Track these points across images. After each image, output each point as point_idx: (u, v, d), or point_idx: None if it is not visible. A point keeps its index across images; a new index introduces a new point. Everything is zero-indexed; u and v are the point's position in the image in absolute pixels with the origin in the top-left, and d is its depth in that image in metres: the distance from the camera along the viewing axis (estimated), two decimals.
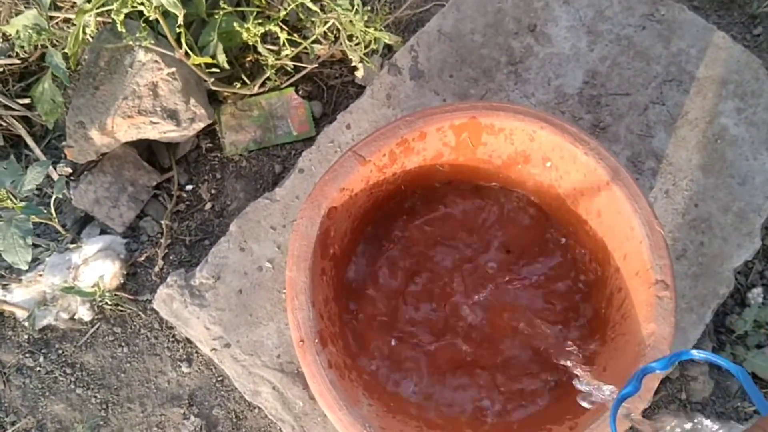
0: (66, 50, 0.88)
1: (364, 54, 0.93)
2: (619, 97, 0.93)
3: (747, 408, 0.91)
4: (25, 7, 0.97)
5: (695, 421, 0.53)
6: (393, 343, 0.81)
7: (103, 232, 0.96)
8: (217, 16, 0.90)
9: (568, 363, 0.77)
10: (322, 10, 0.92)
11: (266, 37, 0.98)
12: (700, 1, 1.06)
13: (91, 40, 0.92)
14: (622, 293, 0.76)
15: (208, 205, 0.97)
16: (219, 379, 0.90)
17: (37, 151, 0.99)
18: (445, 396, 0.80)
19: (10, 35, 0.92)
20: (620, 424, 0.62)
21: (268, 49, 0.95)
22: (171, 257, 0.95)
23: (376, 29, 0.90)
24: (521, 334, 0.81)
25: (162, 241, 0.95)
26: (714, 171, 0.90)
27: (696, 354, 0.54)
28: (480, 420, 0.78)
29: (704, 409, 0.90)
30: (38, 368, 0.91)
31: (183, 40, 0.85)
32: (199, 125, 0.94)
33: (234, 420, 0.89)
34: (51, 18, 0.97)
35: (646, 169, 0.91)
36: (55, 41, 0.99)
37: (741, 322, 0.91)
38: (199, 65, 0.89)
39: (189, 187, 0.98)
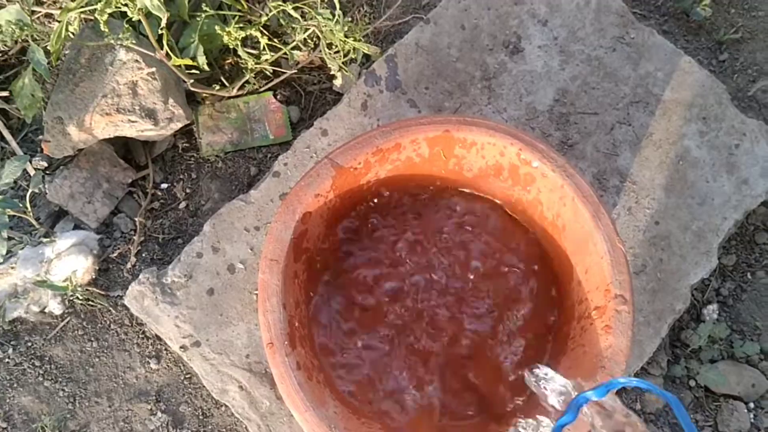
0: (48, 46, 0.89)
1: (342, 62, 0.95)
2: (587, 116, 0.97)
3: (700, 420, 0.95)
4: (8, 1, 0.97)
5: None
6: (360, 346, 0.83)
7: (77, 227, 0.97)
8: (198, 19, 0.92)
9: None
10: (303, 17, 0.94)
11: (247, 41, 0.99)
12: (669, 25, 1.10)
13: (73, 37, 0.93)
14: (583, 306, 0.79)
15: (183, 204, 0.99)
16: (187, 376, 0.92)
17: (14, 144, 1.00)
18: (409, 400, 0.82)
19: None
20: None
21: (248, 53, 0.97)
22: (144, 254, 0.96)
23: (355, 39, 0.93)
24: (487, 345, 0.84)
25: (135, 238, 0.96)
26: (675, 191, 0.94)
27: (629, 382, 0.55)
28: (444, 424, 0.81)
29: (658, 420, 0.93)
30: (7, 360, 0.91)
31: (164, 41, 0.86)
32: (177, 125, 0.95)
33: (201, 417, 0.90)
34: (33, 12, 0.97)
35: (610, 186, 0.94)
36: (36, 36, 0.99)
37: (696, 337, 0.95)
38: (179, 66, 0.90)
39: (164, 186, 1.00)
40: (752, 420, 0.95)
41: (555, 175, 0.78)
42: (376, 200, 0.86)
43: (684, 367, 0.95)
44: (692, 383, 0.95)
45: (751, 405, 0.95)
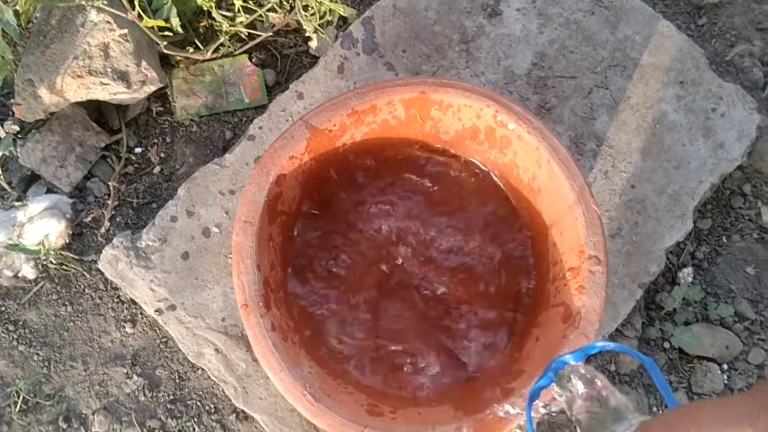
0: (17, 7, 0.87)
1: (318, 24, 0.93)
2: (565, 80, 0.96)
3: (673, 381, 0.96)
4: None
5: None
6: (335, 308, 0.83)
7: (49, 191, 0.96)
8: None
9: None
10: None
11: (221, 3, 0.98)
12: None
13: None
14: (557, 267, 0.79)
15: (157, 169, 0.98)
16: (163, 340, 0.91)
17: None
18: (384, 362, 0.82)
19: None
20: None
21: (223, 15, 0.95)
22: (118, 219, 0.96)
23: (331, 0, 0.91)
24: (463, 307, 0.84)
25: (109, 202, 0.95)
26: (652, 154, 0.94)
27: (606, 346, 0.55)
28: (416, 385, 0.81)
29: (632, 381, 0.94)
30: None
31: (136, 2, 0.85)
32: (150, 88, 0.94)
33: (177, 381, 0.90)
34: None
35: (587, 150, 0.94)
36: None
37: (670, 300, 0.95)
38: (151, 28, 0.89)
39: (138, 150, 0.98)
40: (726, 381, 0.96)
41: (531, 137, 0.78)
42: (352, 163, 0.85)
43: (659, 329, 0.96)
44: (666, 345, 0.96)
45: (725, 366, 0.96)
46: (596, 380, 0.52)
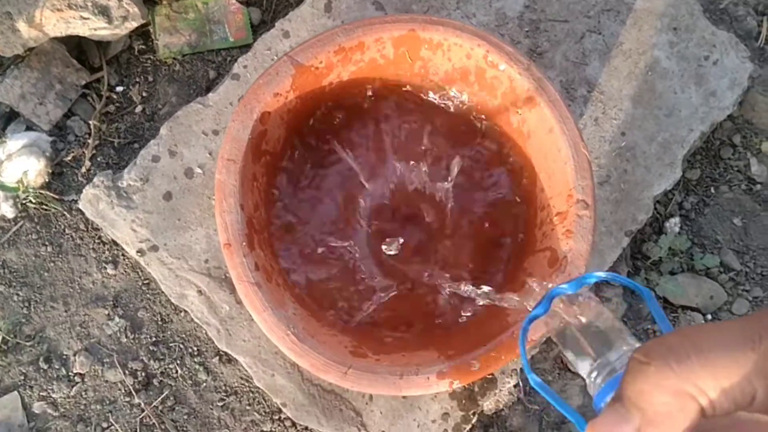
0: None
1: None
2: (557, 24, 0.94)
3: (658, 330, 0.96)
4: None
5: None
6: (320, 252, 0.82)
7: (29, 129, 0.93)
8: None
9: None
10: None
11: None
12: None
13: None
14: (545, 212, 0.78)
15: (139, 108, 0.95)
16: (145, 282, 0.90)
17: None
18: (370, 307, 0.81)
19: None
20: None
21: None
22: (99, 159, 0.94)
23: None
24: (451, 252, 0.83)
25: (90, 141, 0.93)
26: (643, 102, 0.93)
27: (604, 275, 0.54)
28: (402, 330, 0.80)
29: None
30: None
31: None
32: (132, 24, 0.91)
33: (159, 323, 0.89)
34: None
35: (578, 96, 0.92)
36: None
37: (656, 249, 0.95)
38: None
39: (120, 89, 0.96)
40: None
41: (522, 78, 0.77)
42: (339, 103, 0.83)
43: (644, 278, 0.96)
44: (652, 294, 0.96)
45: (709, 317, 0.97)
46: (591, 305, 0.52)
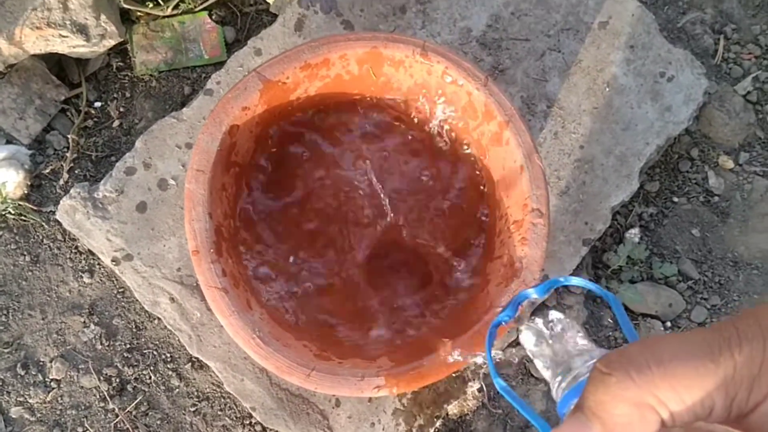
0: None
1: None
2: (519, 42, 0.98)
3: (618, 337, 0.99)
4: None
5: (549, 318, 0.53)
6: (289, 261, 0.85)
7: (8, 142, 0.97)
8: None
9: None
10: None
11: None
12: None
13: None
14: (503, 221, 0.82)
15: (116, 123, 0.99)
16: (120, 290, 0.93)
17: None
18: (336, 317, 0.84)
19: None
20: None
21: None
22: (77, 171, 0.97)
23: None
24: (418, 254, 0.86)
25: (68, 155, 0.96)
26: (600, 116, 0.97)
27: (572, 280, 0.55)
28: (364, 340, 0.83)
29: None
30: None
31: None
32: (110, 42, 0.94)
33: (134, 330, 0.92)
34: None
35: (538, 111, 0.96)
36: None
37: (616, 258, 0.99)
38: None
39: (98, 104, 0.99)
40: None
41: (479, 93, 0.80)
42: (306, 117, 0.87)
43: (605, 286, 0.99)
44: None
45: (668, 324, 1.00)
46: (560, 327, 0.53)
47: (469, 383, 0.89)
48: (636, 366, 0.33)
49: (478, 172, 0.86)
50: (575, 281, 0.54)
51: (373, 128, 0.89)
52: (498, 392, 0.92)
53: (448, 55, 0.81)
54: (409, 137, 0.88)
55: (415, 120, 0.88)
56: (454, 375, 0.88)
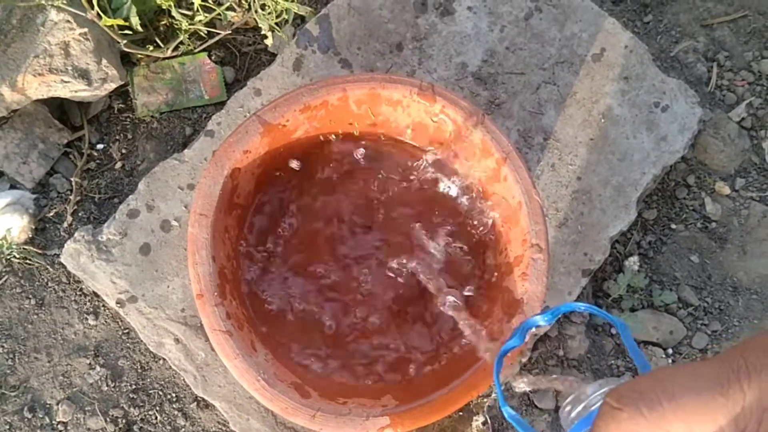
0: None
1: (275, 23, 0.96)
2: (514, 76, 1.00)
3: (621, 365, 1.00)
4: None
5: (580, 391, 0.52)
6: (290, 301, 0.85)
7: (12, 187, 0.98)
8: None
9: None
10: None
11: (181, 2, 1.00)
12: None
13: None
14: (503, 256, 0.82)
15: (119, 165, 1.00)
16: (125, 331, 0.94)
17: None
18: (338, 360, 0.85)
19: None
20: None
21: (182, 14, 0.98)
22: (80, 214, 0.98)
23: (287, 0, 0.94)
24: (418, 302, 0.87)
25: (71, 197, 0.97)
26: (597, 148, 0.98)
27: (579, 306, 0.56)
28: (366, 381, 0.84)
29: (580, 366, 0.98)
30: None
31: (95, 1, 0.87)
32: (111, 85, 0.96)
33: (139, 371, 0.93)
34: None
35: (535, 143, 0.97)
36: None
37: (616, 287, 0.99)
38: (111, 27, 0.91)
39: (100, 146, 1.01)
40: (670, 365, 1.00)
41: (477, 131, 0.81)
42: (308, 156, 0.88)
43: None
44: (613, 331, 1.00)
45: (669, 351, 1.01)
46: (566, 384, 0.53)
47: (474, 417, 0.90)
48: (647, 401, 0.33)
49: (479, 208, 0.87)
50: (582, 307, 0.55)
51: (372, 163, 0.90)
52: (503, 424, 0.93)
53: (446, 93, 0.82)
54: (409, 174, 0.89)
55: (414, 157, 0.89)
56: (458, 411, 0.89)
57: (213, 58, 1.03)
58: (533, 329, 0.57)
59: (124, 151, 1.01)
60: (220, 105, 1.00)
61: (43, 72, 0.92)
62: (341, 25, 1.00)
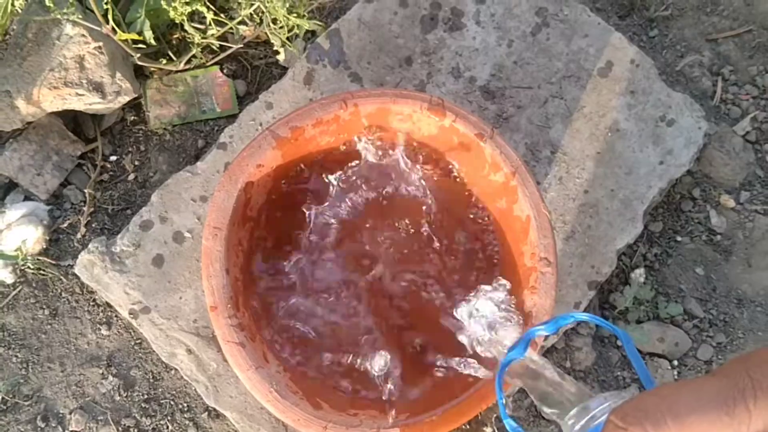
0: None
1: (286, 38, 0.98)
2: (522, 90, 1.01)
3: (627, 377, 1.01)
4: None
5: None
6: (302, 311, 0.87)
7: (27, 198, 0.99)
8: None
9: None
10: None
11: (193, 16, 1.02)
12: (602, 3, 1.15)
13: (19, 12, 0.94)
14: (511, 269, 0.84)
15: (132, 176, 1.01)
16: (137, 342, 0.95)
17: None
18: (351, 375, 0.86)
19: None
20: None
21: (195, 28, 0.99)
22: (93, 225, 0.99)
23: (298, 15, 0.95)
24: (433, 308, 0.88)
25: (85, 209, 0.98)
26: (604, 161, 0.99)
27: (581, 316, 0.55)
28: (377, 394, 0.84)
29: (587, 377, 0.99)
30: None
31: (110, 16, 0.88)
32: (125, 98, 0.97)
33: (151, 380, 0.94)
34: None
35: (542, 157, 0.99)
36: None
37: (622, 299, 1.01)
38: (125, 41, 0.92)
39: (113, 158, 1.02)
40: (676, 377, 1.01)
41: (486, 146, 0.83)
42: (320, 169, 0.89)
43: None
44: (619, 343, 1.01)
45: (675, 363, 1.01)
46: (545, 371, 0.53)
47: (483, 428, 0.91)
48: (652, 421, 0.33)
49: (488, 221, 0.88)
50: (584, 317, 0.55)
51: (383, 177, 0.91)
52: None
53: (455, 109, 0.83)
54: (420, 185, 0.91)
55: (424, 170, 0.90)
56: (467, 422, 0.90)
57: (225, 71, 1.05)
58: (535, 337, 0.58)
59: (136, 162, 1.02)
60: (232, 118, 1.01)
61: (58, 85, 0.93)
62: (352, 40, 1.01)
